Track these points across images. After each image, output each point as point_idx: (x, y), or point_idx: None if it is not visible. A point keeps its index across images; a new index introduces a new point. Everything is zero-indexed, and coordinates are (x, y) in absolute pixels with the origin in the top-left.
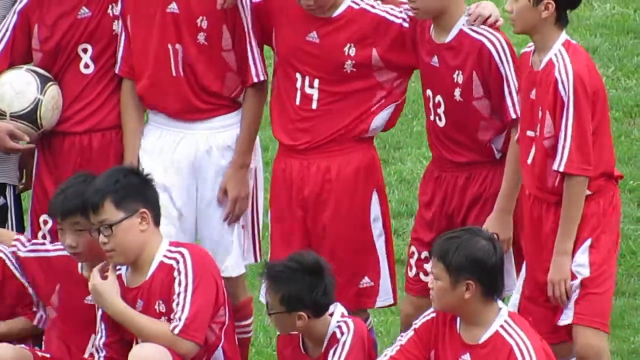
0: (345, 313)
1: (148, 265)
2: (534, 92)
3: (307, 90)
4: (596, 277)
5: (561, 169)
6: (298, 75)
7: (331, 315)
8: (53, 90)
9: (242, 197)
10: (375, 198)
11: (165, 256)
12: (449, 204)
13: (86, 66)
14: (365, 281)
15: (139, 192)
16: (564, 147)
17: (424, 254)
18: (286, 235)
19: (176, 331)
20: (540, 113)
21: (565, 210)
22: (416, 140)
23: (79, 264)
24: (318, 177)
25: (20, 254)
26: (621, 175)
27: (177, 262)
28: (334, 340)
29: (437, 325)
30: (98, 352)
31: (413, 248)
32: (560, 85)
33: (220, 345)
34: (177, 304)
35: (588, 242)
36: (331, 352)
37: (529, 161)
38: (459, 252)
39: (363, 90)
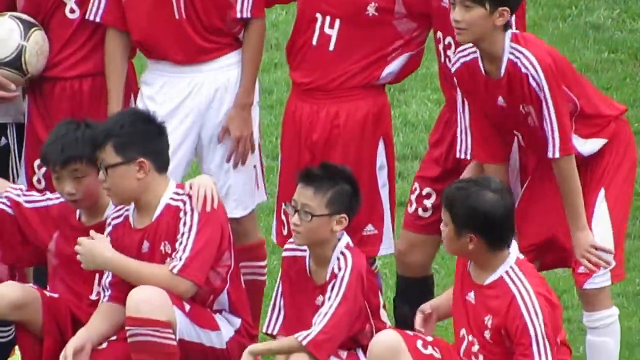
0: (351, 243)
1: (154, 207)
2: (501, 99)
3: (327, 30)
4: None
5: (557, 156)
6: (319, 15)
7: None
8: (37, 35)
9: (245, 137)
10: (381, 146)
11: (172, 198)
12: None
13: (71, 11)
14: (369, 229)
15: (143, 141)
16: (553, 135)
17: (426, 190)
18: (295, 177)
19: (175, 270)
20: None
21: (564, 189)
22: (421, 82)
23: (77, 212)
24: (327, 122)
25: (19, 199)
26: (624, 108)
27: (184, 204)
28: (332, 275)
29: (459, 261)
30: (104, 291)
31: (416, 184)
32: (531, 80)
33: (226, 289)
34: (180, 244)
35: (602, 192)
36: (329, 287)
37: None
38: (464, 205)
39: (381, 37)
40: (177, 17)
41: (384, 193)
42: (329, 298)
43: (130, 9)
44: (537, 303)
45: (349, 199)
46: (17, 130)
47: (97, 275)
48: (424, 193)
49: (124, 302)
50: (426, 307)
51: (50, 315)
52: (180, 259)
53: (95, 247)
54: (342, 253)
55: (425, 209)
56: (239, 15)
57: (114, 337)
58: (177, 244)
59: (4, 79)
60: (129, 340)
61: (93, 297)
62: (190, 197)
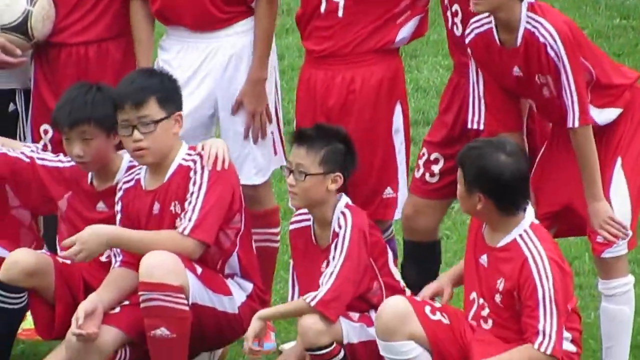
0: (350, 203)
1: (167, 168)
2: (516, 69)
3: None
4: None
5: (576, 125)
6: None
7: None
8: (43, 0)
9: (260, 111)
10: (398, 109)
11: (183, 159)
12: (467, 109)
13: None
14: (388, 192)
15: (177, 96)
16: (572, 105)
17: (434, 155)
18: None
19: (186, 232)
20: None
21: (582, 158)
22: (432, 48)
23: (89, 176)
24: (342, 87)
25: (33, 155)
26: (637, 75)
27: (195, 163)
28: (334, 235)
29: (473, 222)
30: (115, 257)
31: (424, 149)
32: (549, 49)
33: (235, 251)
34: (189, 203)
35: (618, 161)
36: (332, 247)
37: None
38: (475, 164)
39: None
40: None
41: (400, 157)
42: (333, 258)
43: None
44: (549, 267)
45: (342, 157)
46: (25, 96)
47: None
48: (431, 158)
49: (136, 267)
50: (426, 294)
51: (62, 281)
52: (190, 220)
53: (93, 232)
54: (342, 213)
55: (432, 175)
56: None
57: (127, 302)
58: (186, 204)
59: (10, 44)
60: (141, 305)
61: (103, 259)
62: (201, 156)
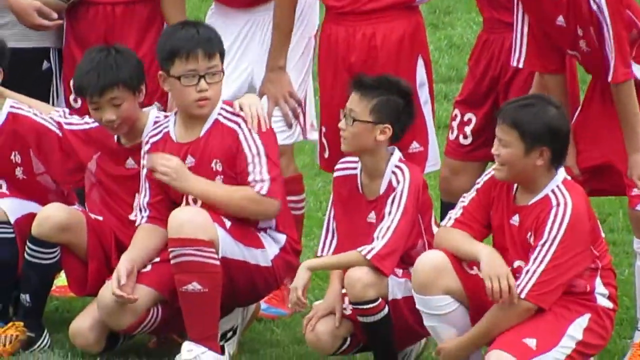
0: (402, 158)
1: (202, 122)
2: (560, 18)
3: None
4: None
5: (617, 80)
6: None
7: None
8: None
9: (283, 97)
10: (420, 64)
11: (220, 115)
12: (495, 66)
13: None
14: (414, 146)
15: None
16: (613, 59)
17: (467, 116)
18: (334, 99)
19: (263, 191)
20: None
21: (622, 112)
22: (466, 5)
23: (115, 136)
24: (364, 43)
25: (61, 120)
26: None
27: (239, 126)
28: (390, 188)
29: (496, 186)
30: (141, 212)
31: (456, 111)
32: (592, 2)
33: None
34: (254, 166)
35: None
36: (389, 201)
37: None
38: (536, 120)
39: None
40: None
41: (426, 110)
42: (389, 212)
43: None
44: (568, 219)
45: (396, 110)
46: (59, 54)
47: (137, 196)
48: (465, 119)
49: (163, 223)
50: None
51: (95, 237)
52: (264, 180)
53: (184, 168)
54: (397, 167)
55: (465, 136)
56: None
57: (157, 259)
58: (249, 168)
59: (46, 7)
60: (172, 261)
61: (132, 217)
62: (243, 119)
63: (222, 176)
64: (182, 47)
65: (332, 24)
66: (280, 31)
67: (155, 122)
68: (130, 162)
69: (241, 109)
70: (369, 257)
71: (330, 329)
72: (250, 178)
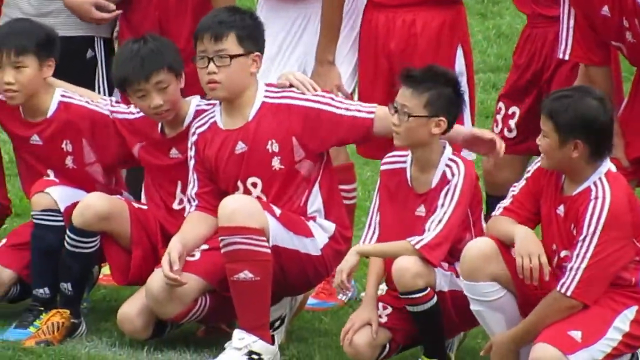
0: (455, 152)
1: (249, 107)
2: (605, 8)
3: None
4: None
5: None
6: None
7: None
8: None
9: (331, 90)
10: (460, 53)
11: (267, 96)
12: (538, 59)
13: None
14: None
15: (258, 36)
16: None
17: (511, 109)
18: (374, 85)
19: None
20: None
21: None
22: None
23: (159, 125)
24: (404, 30)
25: (110, 108)
26: None
27: (293, 98)
28: (444, 180)
29: (546, 174)
30: (190, 202)
31: (501, 104)
32: None
33: (318, 183)
34: (350, 106)
35: None
36: (442, 193)
37: None
38: (569, 111)
39: None
40: None
41: (465, 98)
42: (442, 205)
43: None
44: (606, 211)
45: (448, 102)
46: (104, 43)
47: (179, 184)
48: (509, 112)
49: (212, 213)
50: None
51: (139, 226)
52: (371, 112)
53: None
54: (452, 160)
55: (509, 130)
56: None
57: (206, 247)
58: (345, 112)
59: (102, 0)
60: (222, 250)
61: (175, 206)
62: (293, 91)
63: (279, 157)
64: (198, 29)
65: (373, 11)
66: (328, 26)
67: (198, 112)
68: (174, 152)
69: (288, 82)
70: (418, 247)
71: (368, 341)
72: (352, 114)
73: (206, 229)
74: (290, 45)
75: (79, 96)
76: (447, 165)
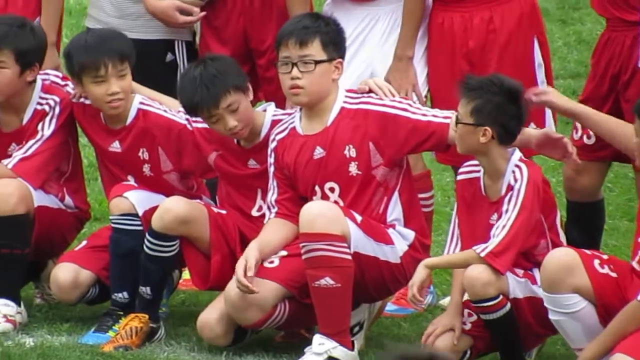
0: (523, 157)
1: (327, 112)
2: None
3: None
4: None
5: None
6: None
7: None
8: None
9: (406, 89)
10: (536, 45)
11: (346, 102)
12: (615, 64)
13: None
14: (532, 127)
15: (341, 42)
16: None
17: None
18: (450, 87)
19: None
20: None
21: None
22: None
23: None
24: (482, 28)
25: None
26: None
27: (370, 104)
28: (509, 187)
29: None
30: (270, 209)
31: None
32: None
33: (398, 191)
34: (427, 112)
35: None
36: (506, 199)
37: None
38: None
39: None
40: None
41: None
42: (506, 211)
43: None
44: None
45: (495, 112)
46: (185, 47)
47: (259, 192)
48: None
49: (291, 219)
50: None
51: (218, 231)
52: (447, 117)
53: None
54: (516, 166)
55: (589, 136)
56: None
57: (285, 253)
58: (420, 117)
59: (186, 5)
60: (303, 256)
61: (254, 213)
62: (372, 96)
63: (356, 162)
64: (280, 35)
65: (445, 12)
66: (410, 20)
67: (274, 122)
68: (252, 162)
69: (370, 90)
70: (482, 254)
71: (449, 346)
72: (428, 120)
73: (284, 235)
74: (356, 46)
75: (158, 104)
76: (512, 172)
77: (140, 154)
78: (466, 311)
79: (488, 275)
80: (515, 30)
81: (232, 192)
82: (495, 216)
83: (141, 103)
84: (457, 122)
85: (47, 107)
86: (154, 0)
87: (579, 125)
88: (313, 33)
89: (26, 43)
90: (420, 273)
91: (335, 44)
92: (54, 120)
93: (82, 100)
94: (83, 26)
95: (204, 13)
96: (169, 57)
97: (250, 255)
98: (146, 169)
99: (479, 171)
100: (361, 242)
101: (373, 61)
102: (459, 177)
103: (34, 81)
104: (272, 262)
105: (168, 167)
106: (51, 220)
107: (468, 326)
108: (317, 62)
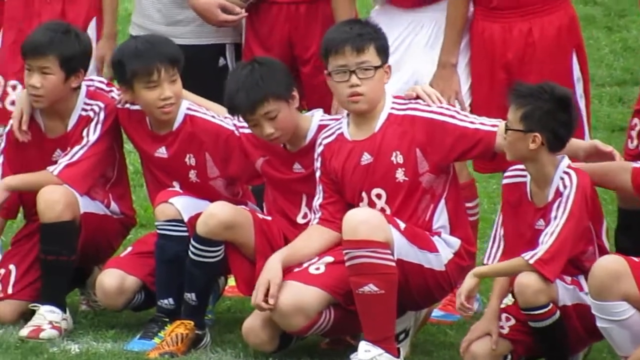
0: (572, 165)
1: (375, 118)
2: None
3: None
4: None
5: None
6: None
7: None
8: None
9: (449, 96)
10: (575, 58)
11: (394, 108)
12: None
13: None
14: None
15: (388, 47)
16: None
17: None
18: (490, 97)
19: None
20: None
21: None
22: None
23: None
24: (520, 40)
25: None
26: None
27: (417, 110)
28: (558, 193)
29: None
30: (314, 213)
31: (635, 120)
32: None
33: (444, 199)
34: (474, 121)
35: None
36: (554, 206)
37: None
38: None
39: None
40: None
41: (582, 104)
42: (555, 217)
43: None
44: None
45: (545, 118)
46: (236, 50)
47: (304, 197)
48: None
49: (333, 225)
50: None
51: (263, 237)
52: (495, 125)
53: None
54: (565, 172)
55: None
56: None
57: (331, 259)
58: (468, 125)
59: (229, 3)
60: (347, 263)
61: (299, 219)
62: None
63: (403, 168)
64: (332, 42)
65: (486, 21)
66: (453, 27)
67: (321, 127)
68: (297, 167)
69: (417, 96)
70: (531, 262)
71: (487, 351)
72: (475, 127)
73: (320, 245)
74: (401, 52)
75: (205, 110)
76: (561, 178)
77: (186, 159)
78: (504, 315)
79: (539, 282)
80: (553, 44)
81: (278, 198)
82: (541, 222)
83: (188, 109)
84: (507, 128)
85: (91, 113)
86: None
87: (634, 134)
88: (368, 39)
89: (71, 49)
90: (468, 282)
91: (385, 49)
92: (99, 126)
93: (127, 106)
94: (128, 33)
95: (245, 14)
96: (222, 61)
97: (273, 277)
98: (192, 175)
99: (525, 176)
100: (405, 249)
101: (418, 68)
102: (505, 181)
103: (79, 87)
104: (318, 268)
105: (214, 174)
106: (97, 227)
107: (506, 330)
108: (376, 68)
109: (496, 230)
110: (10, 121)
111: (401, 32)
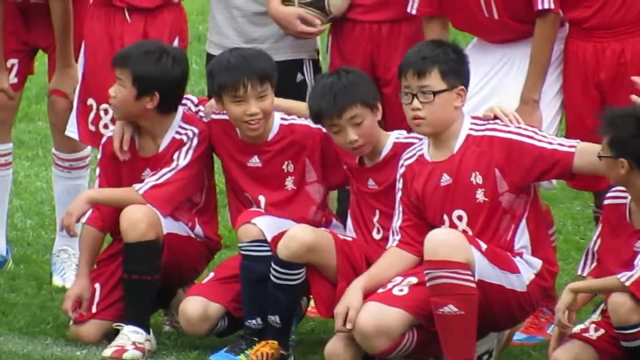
0: None
1: (453, 139)
2: None
3: None
4: None
5: None
6: None
7: None
8: None
9: None
10: None
11: (472, 129)
12: None
13: None
14: None
15: (461, 70)
16: None
17: None
18: (583, 117)
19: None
20: None
21: None
22: None
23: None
24: (613, 60)
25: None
26: None
27: (495, 130)
28: None
29: None
30: (393, 235)
31: None
32: None
33: (525, 219)
34: (552, 141)
35: None
36: None
37: None
38: None
39: None
40: (487, 16)
41: None
42: None
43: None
44: None
45: (628, 142)
46: (313, 66)
47: (377, 213)
48: None
49: (412, 248)
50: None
51: (344, 257)
52: (573, 145)
53: None
54: None
55: None
56: (539, 7)
57: (415, 281)
58: (545, 145)
59: (309, 15)
60: (427, 284)
61: (375, 235)
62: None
63: (483, 189)
64: (402, 64)
65: (579, 41)
66: (537, 63)
67: (396, 144)
68: (370, 183)
69: (495, 116)
70: (627, 283)
71: (572, 357)
72: (554, 148)
73: (398, 269)
74: (492, 85)
75: (298, 117)
76: None
77: (284, 166)
78: (593, 326)
79: (631, 302)
80: None
81: (358, 210)
82: (639, 244)
83: (282, 118)
84: (599, 155)
85: (185, 138)
86: (277, 4)
87: None
88: (431, 63)
89: (146, 69)
90: (565, 297)
91: (455, 71)
92: (190, 152)
93: (218, 117)
94: (199, 50)
95: (323, 28)
96: (299, 77)
97: (352, 302)
98: (289, 182)
99: (625, 197)
100: (486, 270)
101: (507, 102)
102: (606, 202)
103: (172, 111)
104: (401, 290)
105: (312, 178)
106: (180, 248)
107: (594, 337)
108: (435, 93)
109: (591, 245)
110: (108, 132)
111: (493, 65)
